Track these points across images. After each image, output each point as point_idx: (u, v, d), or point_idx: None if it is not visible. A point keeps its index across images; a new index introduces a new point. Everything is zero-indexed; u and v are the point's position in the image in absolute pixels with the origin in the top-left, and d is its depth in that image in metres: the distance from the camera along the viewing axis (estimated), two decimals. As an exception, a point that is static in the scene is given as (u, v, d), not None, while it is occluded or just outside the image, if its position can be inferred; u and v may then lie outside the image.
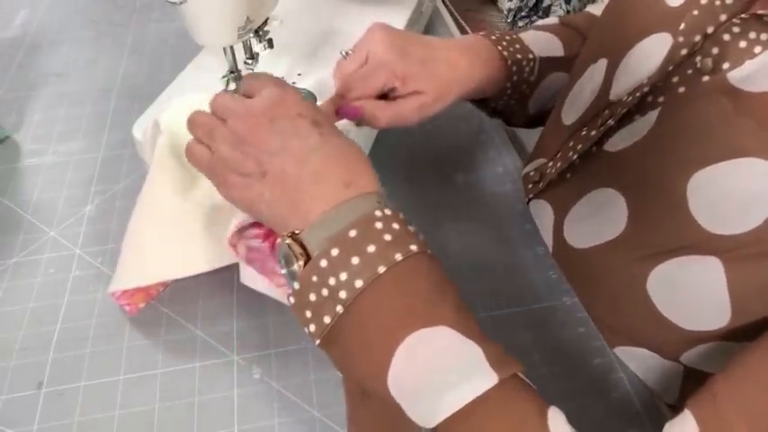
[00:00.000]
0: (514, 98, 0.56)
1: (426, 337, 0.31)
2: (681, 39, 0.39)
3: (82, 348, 0.46)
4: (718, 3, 0.38)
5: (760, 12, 0.36)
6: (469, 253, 0.53)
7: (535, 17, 2.03)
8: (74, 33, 0.81)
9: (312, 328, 0.34)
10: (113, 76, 0.73)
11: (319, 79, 0.57)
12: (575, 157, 0.46)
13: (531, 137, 0.65)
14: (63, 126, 0.66)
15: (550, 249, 0.50)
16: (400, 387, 0.31)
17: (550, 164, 0.50)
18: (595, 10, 0.61)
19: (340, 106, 0.48)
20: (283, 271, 0.36)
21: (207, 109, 0.43)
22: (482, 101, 0.58)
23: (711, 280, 0.36)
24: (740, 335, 0.35)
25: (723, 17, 0.38)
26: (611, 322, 0.45)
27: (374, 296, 0.32)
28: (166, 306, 0.49)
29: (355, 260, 0.32)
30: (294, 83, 0.58)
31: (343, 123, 0.50)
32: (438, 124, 0.63)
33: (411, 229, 0.35)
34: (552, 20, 0.60)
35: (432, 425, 0.30)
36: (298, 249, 0.34)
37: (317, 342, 0.34)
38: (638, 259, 0.40)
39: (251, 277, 0.45)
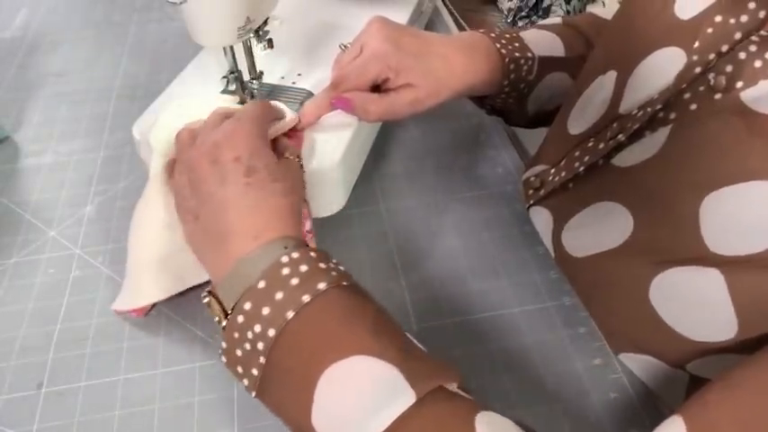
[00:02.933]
0: (512, 97, 0.56)
1: (341, 370, 0.32)
2: (695, 57, 0.39)
3: (82, 348, 0.46)
4: (732, 21, 0.38)
5: None
6: (469, 253, 0.53)
7: (535, 17, 2.03)
8: (74, 33, 0.81)
9: (245, 382, 0.35)
10: (113, 76, 0.73)
11: (319, 79, 0.57)
12: (581, 168, 0.46)
13: (530, 137, 0.65)
14: (63, 126, 0.66)
15: (553, 255, 0.50)
16: (324, 424, 0.32)
17: (553, 171, 0.50)
18: (597, 11, 0.61)
19: (332, 97, 0.48)
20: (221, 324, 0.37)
21: (193, 116, 0.44)
22: (480, 98, 0.58)
23: (715, 292, 0.35)
24: (749, 348, 0.35)
25: (738, 35, 0.37)
26: (614, 329, 0.45)
27: (287, 342, 0.33)
28: (166, 306, 0.49)
29: (266, 310, 0.33)
30: (294, 83, 0.58)
31: (344, 118, 0.51)
32: (438, 123, 0.63)
33: (322, 265, 0.35)
34: (555, 20, 0.60)
35: None
36: (216, 307, 0.36)
37: (253, 395, 0.35)
38: (640, 267, 0.40)
39: None
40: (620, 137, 0.43)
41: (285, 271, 0.34)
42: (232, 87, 0.55)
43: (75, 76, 0.73)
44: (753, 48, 0.36)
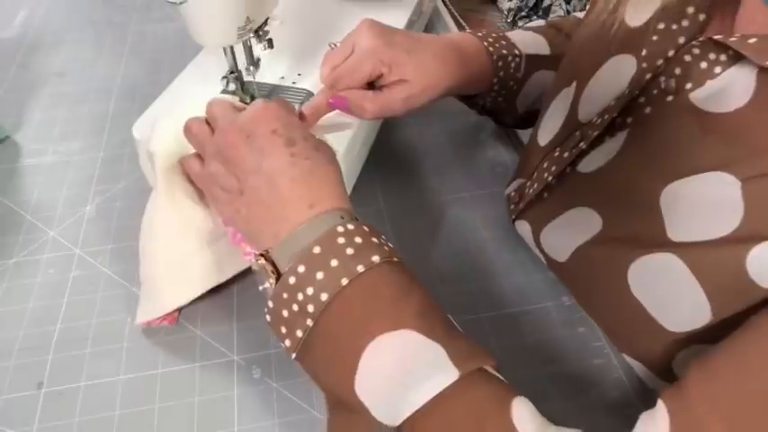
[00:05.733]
0: (502, 95, 0.57)
1: (389, 341, 0.33)
2: (645, 64, 0.40)
3: (82, 348, 0.46)
4: (674, 27, 0.39)
5: (715, 37, 0.36)
6: (469, 253, 0.53)
7: (535, 17, 2.04)
8: (74, 33, 0.81)
9: (287, 342, 0.36)
10: (113, 76, 0.73)
11: (319, 79, 0.57)
12: (550, 178, 0.47)
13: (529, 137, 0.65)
14: (63, 126, 0.66)
15: (545, 263, 0.50)
16: (366, 391, 0.33)
17: (528, 184, 0.51)
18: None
19: (330, 97, 0.49)
20: (261, 288, 0.38)
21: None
22: (471, 98, 0.59)
23: (681, 276, 0.36)
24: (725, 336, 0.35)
25: (681, 40, 0.39)
26: (611, 326, 0.45)
27: (339, 307, 0.34)
28: (166, 306, 0.49)
29: (320, 275, 0.34)
30: (294, 83, 0.58)
31: (344, 119, 0.51)
32: (438, 123, 0.63)
33: (375, 240, 0.37)
34: (539, 22, 0.62)
35: (396, 423, 0.31)
36: (269, 267, 0.37)
37: (293, 356, 0.36)
38: (615, 256, 0.41)
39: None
40: (582, 144, 0.44)
41: (341, 240, 0.35)
42: (232, 87, 0.55)
43: (75, 76, 0.73)
44: (696, 50, 0.37)
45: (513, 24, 2.05)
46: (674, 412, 0.29)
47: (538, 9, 2.03)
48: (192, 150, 0.45)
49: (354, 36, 0.50)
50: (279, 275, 0.36)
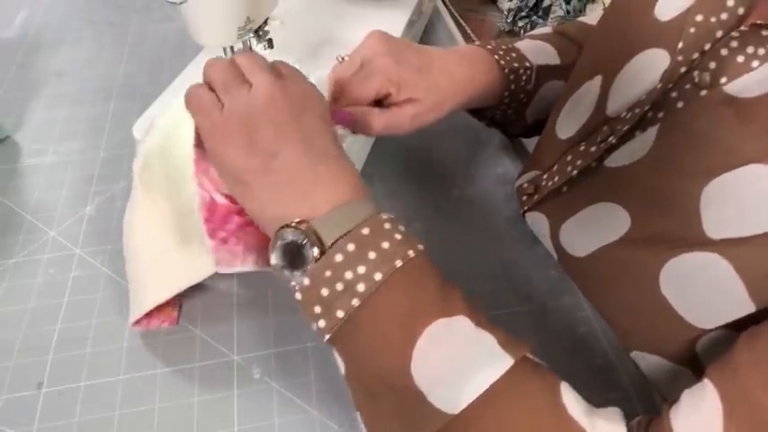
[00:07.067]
0: (512, 108, 0.56)
1: (446, 328, 0.33)
2: (680, 57, 0.39)
3: (82, 348, 0.46)
4: (713, 19, 0.38)
5: (759, 22, 0.35)
6: (469, 253, 0.53)
7: (535, 17, 2.04)
8: (74, 33, 0.81)
9: (322, 323, 0.34)
10: (113, 76, 0.73)
11: (319, 79, 0.57)
12: (574, 172, 0.46)
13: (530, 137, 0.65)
14: (63, 126, 0.66)
15: (555, 258, 0.50)
16: (424, 376, 0.32)
17: (545, 176, 0.50)
18: (589, 19, 0.61)
19: (332, 111, 0.48)
20: (274, 261, 0.36)
21: (188, 123, 0.43)
22: (479, 111, 0.58)
23: (722, 275, 0.35)
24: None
25: (719, 33, 0.38)
26: (627, 325, 0.44)
27: (392, 289, 0.34)
28: (166, 306, 0.49)
29: (372, 255, 0.34)
30: (294, 83, 0.58)
31: (337, 130, 0.50)
32: (438, 123, 0.63)
33: (411, 231, 0.37)
34: (546, 29, 0.61)
35: (456, 411, 0.31)
36: (314, 237, 0.34)
37: (327, 338, 0.34)
38: (647, 256, 0.40)
39: (227, 259, 0.43)
40: (611, 139, 0.43)
41: (387, 225, 0.35)
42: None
43: (75, 76, 0.73)
44: (734, 44, 0.37)
45: (513, 24, 2.05)
46: (723, 388, 0.30)
47: (538, 9, 2.03)
48: (174, 149, 0.45)
49: (363, 50, 0.49)
50: (321, 250, 0.34)
